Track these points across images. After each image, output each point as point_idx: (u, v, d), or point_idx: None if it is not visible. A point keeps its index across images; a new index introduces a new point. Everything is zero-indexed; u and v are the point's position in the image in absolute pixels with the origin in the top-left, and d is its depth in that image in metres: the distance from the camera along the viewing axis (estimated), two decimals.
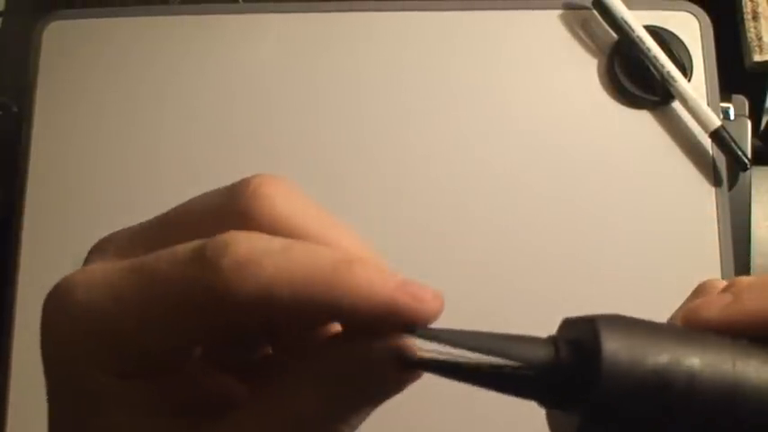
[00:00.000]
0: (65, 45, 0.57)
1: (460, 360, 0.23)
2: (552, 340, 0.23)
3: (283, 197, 0.23)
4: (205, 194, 0.24)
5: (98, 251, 0.24)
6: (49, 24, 0.57)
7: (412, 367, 0.23)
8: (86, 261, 0.24)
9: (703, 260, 0.52)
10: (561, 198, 0.54)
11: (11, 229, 0.54)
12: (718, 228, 0.52)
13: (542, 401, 0.23)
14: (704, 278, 0.54)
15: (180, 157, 0.55)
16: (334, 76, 0.56)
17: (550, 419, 0.25)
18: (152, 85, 0.57)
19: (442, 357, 0.23)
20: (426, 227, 0.53)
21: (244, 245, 0.21)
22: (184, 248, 0.21)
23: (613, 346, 0.22)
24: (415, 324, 0.22)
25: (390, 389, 0.22)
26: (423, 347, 0.23)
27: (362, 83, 0.56)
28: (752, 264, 0.54)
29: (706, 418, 0.22)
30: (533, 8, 0.57)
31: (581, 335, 0.23)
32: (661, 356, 0.22)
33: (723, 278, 0.51)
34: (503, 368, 0.22)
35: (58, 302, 0.22)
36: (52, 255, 0.53)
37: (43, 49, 0.57)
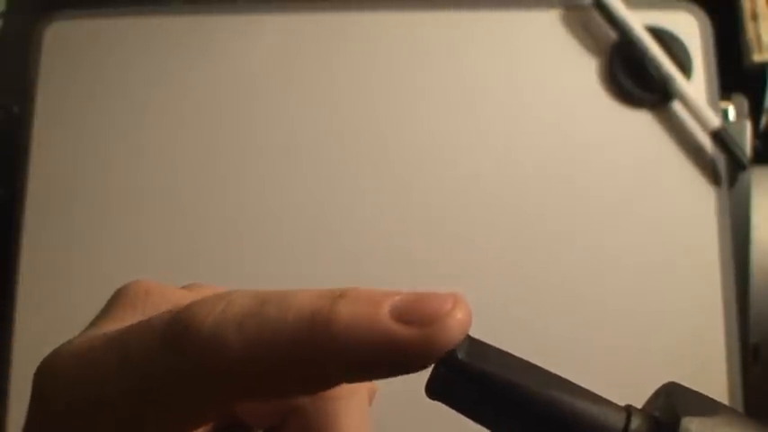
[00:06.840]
0: (65, 45, 0.57)
1: (503, 397, 0.19)
2: (626, 409, 0.20)
3: None
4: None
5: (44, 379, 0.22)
6: (49, 24, 0.57)
7: (436, 398, 0.19)
8: (35, 385, 0.22)
9: (703, 260, 0.52)
10: (560, 197, 0.54)
11: (11, 228, 0.54)
12: (718, 228, 0.52)
13: None
14: (703, 278, 0.54)
15: (180, 156, 0.55)
16: (333, 77, 0.56)
17: None
18: (153, 84, 0.57)
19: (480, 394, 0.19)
20: (425, 227, 0.53)
21: (209, 318, 0.19)
22: (158, 323, 0.20)
23: (694, 426, 0.19)
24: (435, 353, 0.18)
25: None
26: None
27: (361, 83, 0.56)
28: (752, 264, 0.54)
29: None
30: (533, 8, 0.57)
31: (660, 408, 0.20)
32: None
33: (722, 278, 0.51)
34: (559, 426, 0.19)
35: (50, 369, 0.21)
36: (53, 255, 0.53)
37: (43, 49, 0.57)
